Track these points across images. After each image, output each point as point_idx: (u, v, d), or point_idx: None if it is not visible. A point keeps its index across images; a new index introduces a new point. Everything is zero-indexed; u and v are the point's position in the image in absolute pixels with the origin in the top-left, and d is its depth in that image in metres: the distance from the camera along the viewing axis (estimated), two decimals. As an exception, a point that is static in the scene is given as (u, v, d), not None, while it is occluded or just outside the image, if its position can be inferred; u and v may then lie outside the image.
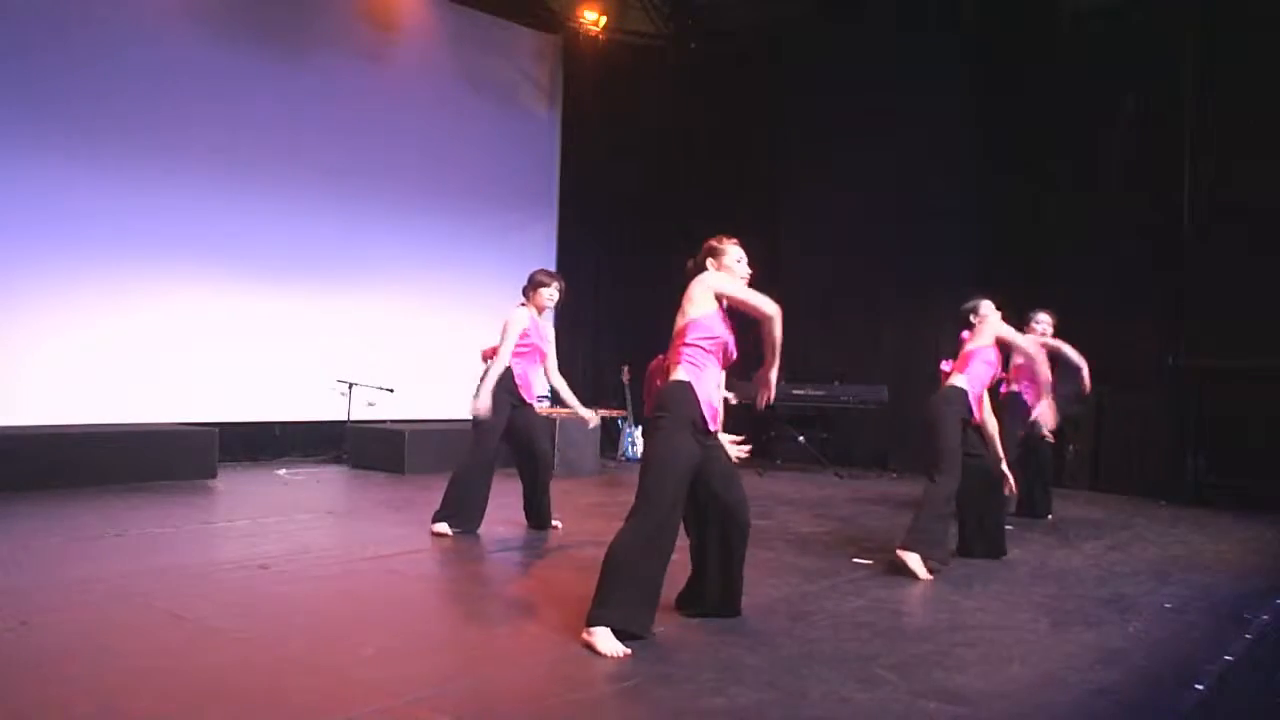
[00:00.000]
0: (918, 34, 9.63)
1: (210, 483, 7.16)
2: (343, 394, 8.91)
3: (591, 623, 3.31)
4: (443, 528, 5.40)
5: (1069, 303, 8.99)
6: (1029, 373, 6.38)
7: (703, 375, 3.51)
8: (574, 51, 10.82)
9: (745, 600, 3.95)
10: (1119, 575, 4.83)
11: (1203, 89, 7.98)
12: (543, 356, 5.62)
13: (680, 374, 3.50)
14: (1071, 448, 8.49)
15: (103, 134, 7.64)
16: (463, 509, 5.45)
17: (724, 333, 3.57)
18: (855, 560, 4.99)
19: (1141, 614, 4.04)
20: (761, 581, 4.40)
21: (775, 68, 10.88)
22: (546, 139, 10.85)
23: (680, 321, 3.58)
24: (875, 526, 6.12)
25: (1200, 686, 3.13)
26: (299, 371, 8.75)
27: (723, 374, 3.66)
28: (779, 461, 9.65)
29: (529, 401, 5.54)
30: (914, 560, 4.62)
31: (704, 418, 3.49)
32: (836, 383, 9.38)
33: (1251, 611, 4.14)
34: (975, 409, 4.98)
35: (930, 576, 4.58)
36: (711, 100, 10.85)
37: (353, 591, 4.13)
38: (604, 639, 3.26)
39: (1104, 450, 8.43)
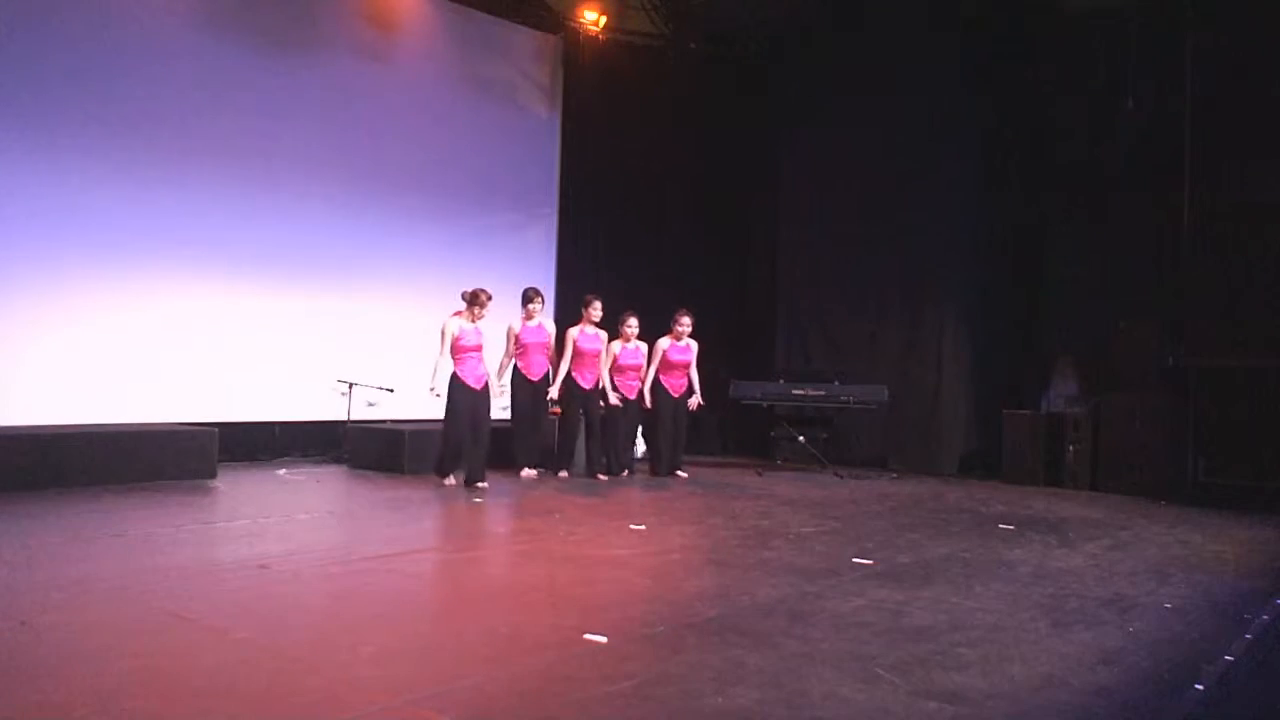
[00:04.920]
0: (918, 34, 9.63)
1: (210, 483, 7.15)
2: (343, 394, 8.91)
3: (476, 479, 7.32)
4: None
5: (1069, 302, 9.06)
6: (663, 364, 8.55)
7: (464, 366, 7.28)
8: (574, 51, 10.80)
9: (745, 600, 3.95)
10: (1119, 575, 4.84)
11: (1203, 89, 7.98)
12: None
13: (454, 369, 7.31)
14: (1071, 448, 8.50)
15: (101, 133, 7.63)
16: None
17: (476, 341, 7.37)
18: (855, 560, 4.99)
19: (1141, 614, 4.04)
20: (761, 581, 4.40)
21: (775, 68, 10.89)
22: (546, 139, 10.84)
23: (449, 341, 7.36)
24: (875, 526, 6.12)
25: (1200, 686, 3.13)
26: (299, 371, 8.74)
27: (479, 357, 7.40)
28: (779, 461, 9.65)
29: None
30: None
31: (468, 386, 7.24)
32: (836, 383, 9.36)
33: (1251, 611, 4.14)
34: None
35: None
36: (711, 100, 10.84)
37: (353, 591, 4.13)
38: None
39: (1104, 450, 8.43)
